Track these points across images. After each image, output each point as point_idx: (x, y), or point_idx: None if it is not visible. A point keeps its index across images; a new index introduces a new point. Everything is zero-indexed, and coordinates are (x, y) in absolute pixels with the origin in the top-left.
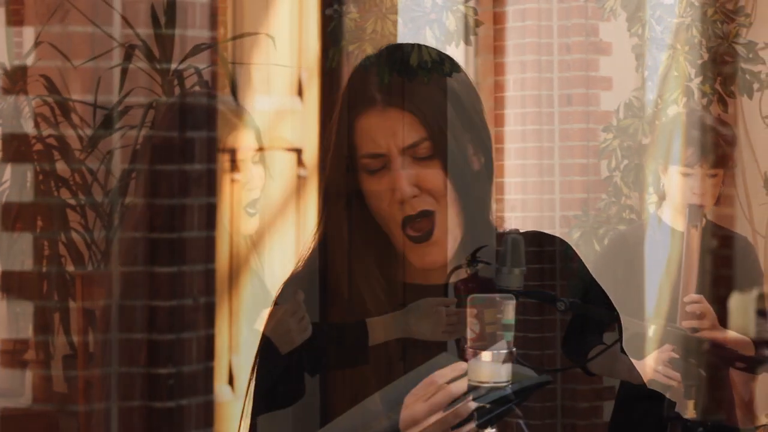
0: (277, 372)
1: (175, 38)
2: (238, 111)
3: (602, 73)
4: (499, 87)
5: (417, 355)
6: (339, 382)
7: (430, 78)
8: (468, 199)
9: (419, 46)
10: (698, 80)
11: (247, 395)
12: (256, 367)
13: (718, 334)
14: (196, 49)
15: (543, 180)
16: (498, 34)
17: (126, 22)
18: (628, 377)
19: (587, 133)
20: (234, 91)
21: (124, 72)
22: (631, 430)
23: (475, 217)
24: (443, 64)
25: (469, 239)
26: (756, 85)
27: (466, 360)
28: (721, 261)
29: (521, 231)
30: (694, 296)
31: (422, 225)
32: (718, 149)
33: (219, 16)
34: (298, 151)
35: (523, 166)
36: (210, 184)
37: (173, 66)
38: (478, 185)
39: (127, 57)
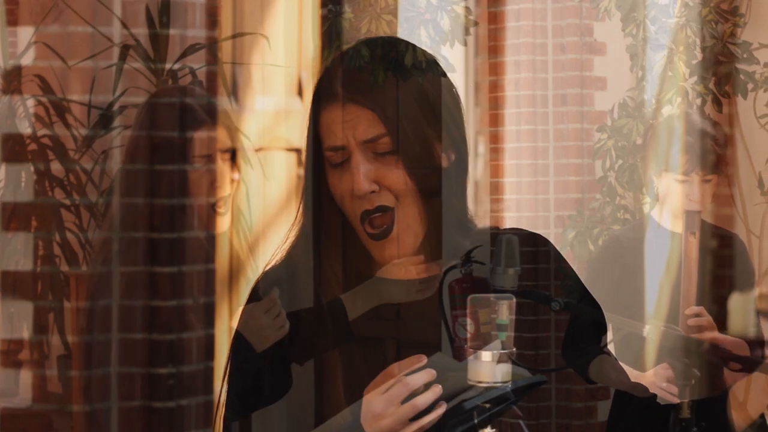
0: (251, 370)
1: (171, 38)
2: (211, 108)
3: (597, 73)
4: (493, 87)
5: (411, 356)
6: (331, 366)
7: (383, 78)
8: (433, 195)
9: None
10: (693, 80)
11: (221, 395)
12: (228, 366)
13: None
14: (191, 49)
15: (537, 180)
16: (492, 35)
17: (120, 21)
18: (630, 389)
19: (582, 133)
20: (229, 91)
21: (119, 72)
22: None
23: (444, 214)
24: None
25: (434, 236)
26: (750, 85)
27: (459, 360)
28: (717, 261)
29: (501, 228)
30: (695, 308)
31: (380, 221)
32: (712, 154)
33: (216, 17)
34: (298, 151)
35: (518, 166)
36: (182, 184)
37: (168, 66)
38: (446, 182)
39: (122, 57)
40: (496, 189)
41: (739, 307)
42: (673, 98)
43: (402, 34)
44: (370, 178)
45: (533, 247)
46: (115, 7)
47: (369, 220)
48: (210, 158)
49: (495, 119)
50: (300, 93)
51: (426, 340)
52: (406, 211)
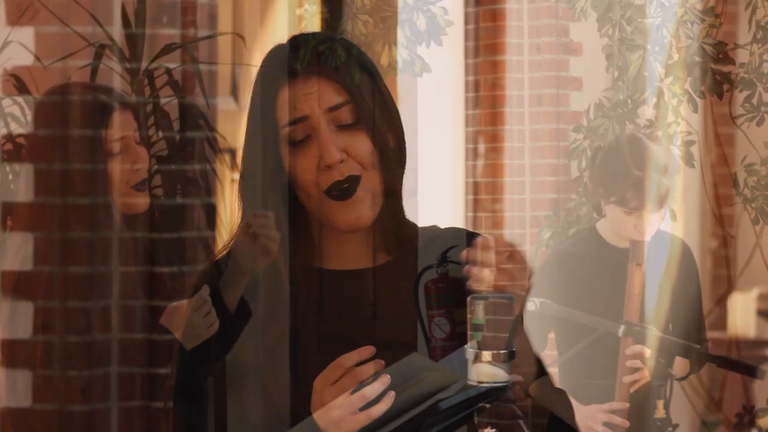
0: (184, 367)
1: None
2: (123, 97)
3: (572, 73)
4: (469, 87)
5: (387, 356)
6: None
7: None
8: (388, 173)
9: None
10: (669, 81)
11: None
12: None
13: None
14: (167, 49)
15: (513, 180)
16: (469, 35)
17: (96, 21)
18: (566, 416)
19: (557, 133)
20: (205, 91)
21: (94, 71)
22: None
23: (392, 196)
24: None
25: (388, 215)
26: (726, 86)
27: (435, 359)
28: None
29: (442, 227)
30: (636, 348)
31: (348, 189)
32: (661, 189)
33: (192, 16)
34: None
35: (494, 166)
36: (101, 182)
37: (144, 65)
38: (391, 164)
39: (98, 56)
40: (473, 189)
41: (688, 315)
42: (649, 98)
43: (378, 34)
44: (339, 147)
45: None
46: (92, 7)
47: (337, 189)
48: (124, 140)
49: (468, 120)
50: (234, 92)
51: (402, 340)
52: (371, 181)
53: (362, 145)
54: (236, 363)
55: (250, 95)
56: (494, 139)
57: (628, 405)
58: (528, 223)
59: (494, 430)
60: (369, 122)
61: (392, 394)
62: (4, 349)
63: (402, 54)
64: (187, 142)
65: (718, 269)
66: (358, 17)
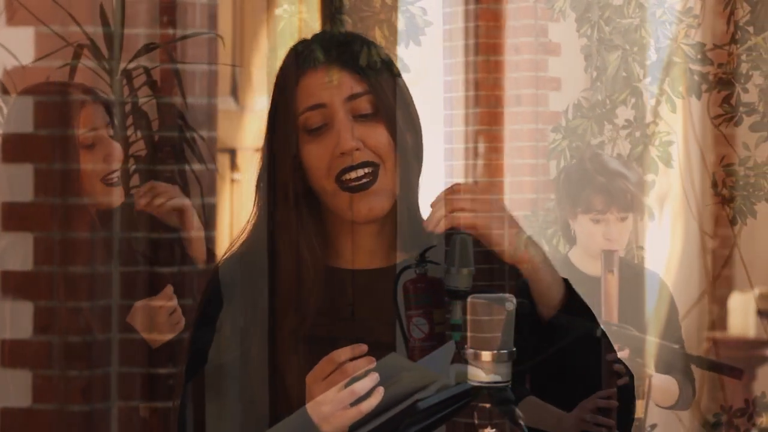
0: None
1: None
2: (95, 92)
3: (551, 73)
4: (447, 87)
5: (366, 355)
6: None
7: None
8: (405, 168)
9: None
10: (647, 81)
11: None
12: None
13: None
14: (146, 48)
15: (492, 180)
16: (447, 35)
17: (74, 20)
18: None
19: (536, 133)
20: (183, 91)
21: (72, 71)
22: None
23: (407, 195)
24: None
25: (404, 212)
26: (704, 86)
27: (413, 359)
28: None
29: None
30: (603, 394)
31: (363, 175)
32: (626, 194)
33: (171, 16)
34: None
35: (474, 166)
36: (73, 178)
37: (123, 65)
38: (408, 158)
39: (76, 56)
40: (450, 189)
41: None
42: (628, 99)
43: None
44: (355, 136)
45: (488, 246)
46: (72, 6)
47: (350, 175)
48: (96, 133)
49: (446, 120)
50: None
51: (380, 340)
52: (387, 172)
53: (379, 136)
54: (215, 362)
55: (271, 93)
56: (445, 140)
57: (614, 390)
58: (506, 222)
59: (494, 430)
60: (387, 115)
61: (381, 389)
62: (4, 349)
63: (380, 54)
64: (165, 142)
65: (718, 269)
66: (336, 17)
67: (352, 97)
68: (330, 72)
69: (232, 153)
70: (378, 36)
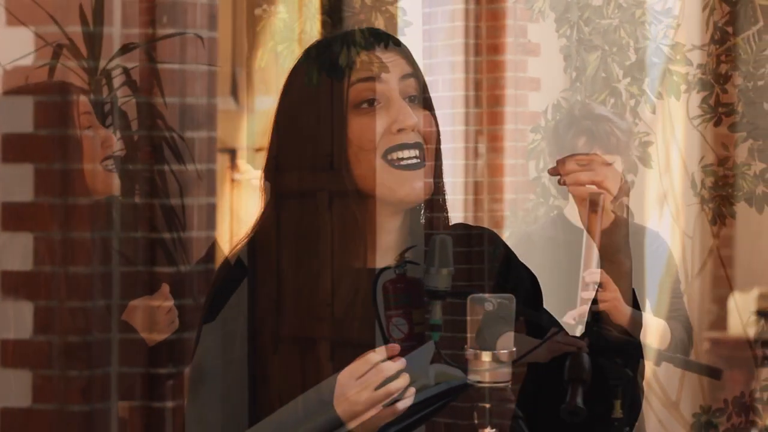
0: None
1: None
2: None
3: (530, 74)
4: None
5: (346, 355)
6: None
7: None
8: (438, 157)
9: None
10: (626, 81)
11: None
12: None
13: (620, 309)
14: (125, 48)
15: (473, 180)
16: (427, 36)
17: (54, 20)
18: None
19: (515, 133)
20: (162, 91)
21: (51, 71)
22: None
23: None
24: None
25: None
26: (683, 87)
27: (393, 360)
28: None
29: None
30: (594, 269)
31: (414, 156)
32: (610, 136)
33: (152, 15)
34: None
35: (453, 167)
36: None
37: (102, 64)
38: (439, 150)
39: (55, 56)
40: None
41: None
42: (607, 99)
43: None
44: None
45: (479, 245)
46: (53, 6)
47: (401, 154)
48: (90, 117)
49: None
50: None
51: (360, 341)
52: (429, 157)
53: (426, 117)
54: (196, 365)
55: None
56: (453, 140)
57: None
58: (486, 223)
59: (494, 430)
60: (427, 102)
61: (413, 390)
62: (4, 349)
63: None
64: (144, 142)
65: (718, 269)
66: (316, 17)
67: (405, 77)
68: (387, 52)
69: (232, 153)
70: (357, 36)
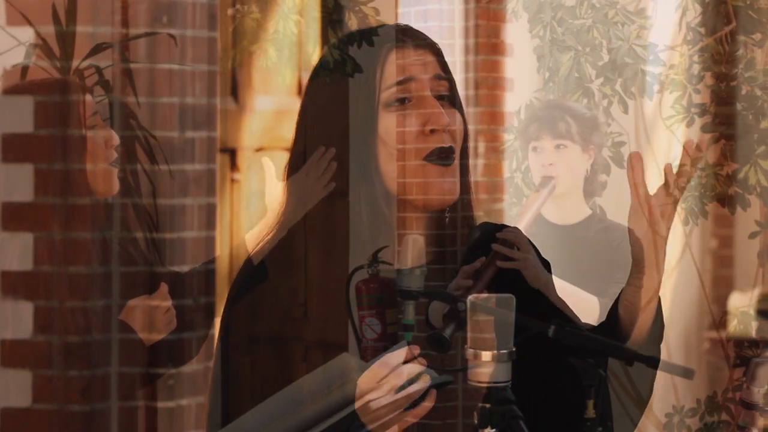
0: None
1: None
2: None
3: (504, 74)
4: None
5: (318, 355)
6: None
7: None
8: (465, 158)
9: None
10: (599, 82)
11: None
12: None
13: (532, 270)
14: (98, 48)
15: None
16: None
17: (26, 19)
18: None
19: (488, 134)
20: (134, 89)
21: (24, 71)
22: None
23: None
24: (345, 64)
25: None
26: (656, 87)
27: (365, 360)
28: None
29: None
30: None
31: (448, 160)
32: (559, 122)
33: (121, 15)
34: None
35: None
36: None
37: (74, 64)
38: (467, 150)
39: (28, 56)
40: (403, 189)
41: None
42: (580, 99)
43: (310, 34)
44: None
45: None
46: (26, 6)
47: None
48: (96, 116)
49: (399, 120)
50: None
51: (333, 341)
52: (457, 155)
53: (458, 117)
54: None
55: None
56: (402, 140)
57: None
58: (459, 223)
59: (494, 430)
60: (457, 103)
61: (434, 392)
62: (4, 349)
63: (333, 54)
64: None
65: (718, 269)
66: (289, 17)
67: (436, 77)
68: (418, 51)
69: (232, 153)
70: (331, 36)
